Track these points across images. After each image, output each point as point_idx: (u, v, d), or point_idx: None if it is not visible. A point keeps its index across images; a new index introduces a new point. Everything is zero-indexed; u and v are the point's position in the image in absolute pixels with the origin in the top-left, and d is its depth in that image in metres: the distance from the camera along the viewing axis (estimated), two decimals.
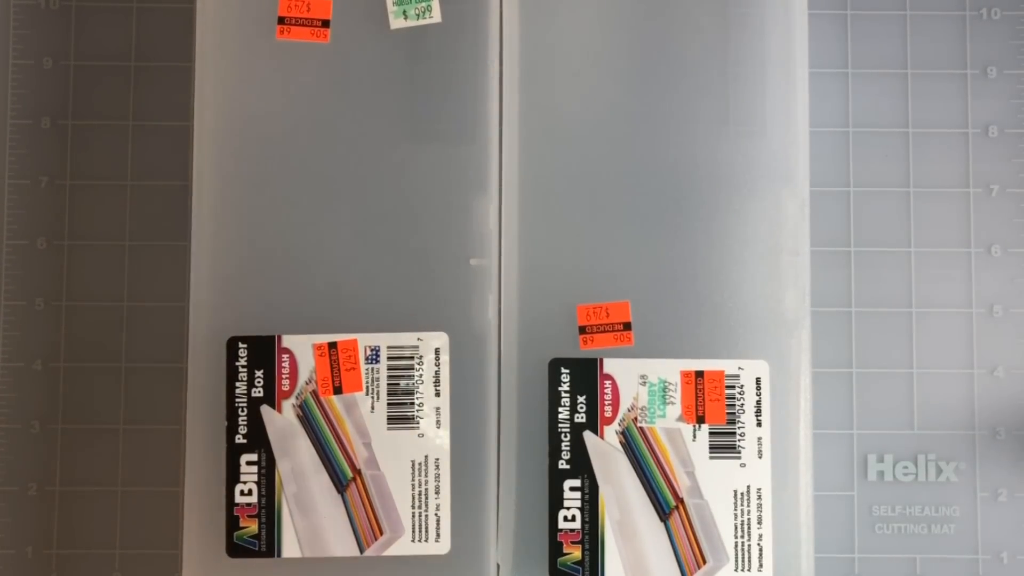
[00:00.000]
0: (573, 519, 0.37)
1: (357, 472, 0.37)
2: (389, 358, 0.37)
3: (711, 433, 0.37)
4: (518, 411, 0.37)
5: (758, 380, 0.37)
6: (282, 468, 0.37)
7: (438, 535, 0.37)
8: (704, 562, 0.37)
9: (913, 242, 0.43)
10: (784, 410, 0.37)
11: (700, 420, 0.37)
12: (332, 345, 0.37)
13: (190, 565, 0.37)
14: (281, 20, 0.38)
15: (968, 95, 0.44)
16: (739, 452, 0.37)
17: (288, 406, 0.37)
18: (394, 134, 0.37)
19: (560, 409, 0.37)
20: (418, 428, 0.37)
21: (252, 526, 0.37)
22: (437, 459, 0.37)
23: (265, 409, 0.37)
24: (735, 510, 0.37)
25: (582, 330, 0.37)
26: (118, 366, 0.42)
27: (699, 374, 0.37)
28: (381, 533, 0.37)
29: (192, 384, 0.37)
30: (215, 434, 0.37)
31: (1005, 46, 0.44)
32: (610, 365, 0.37)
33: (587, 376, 0.37)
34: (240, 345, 0.37)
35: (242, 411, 0.37)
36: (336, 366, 0.37)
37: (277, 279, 0.37)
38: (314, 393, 0.37)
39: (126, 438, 0.42)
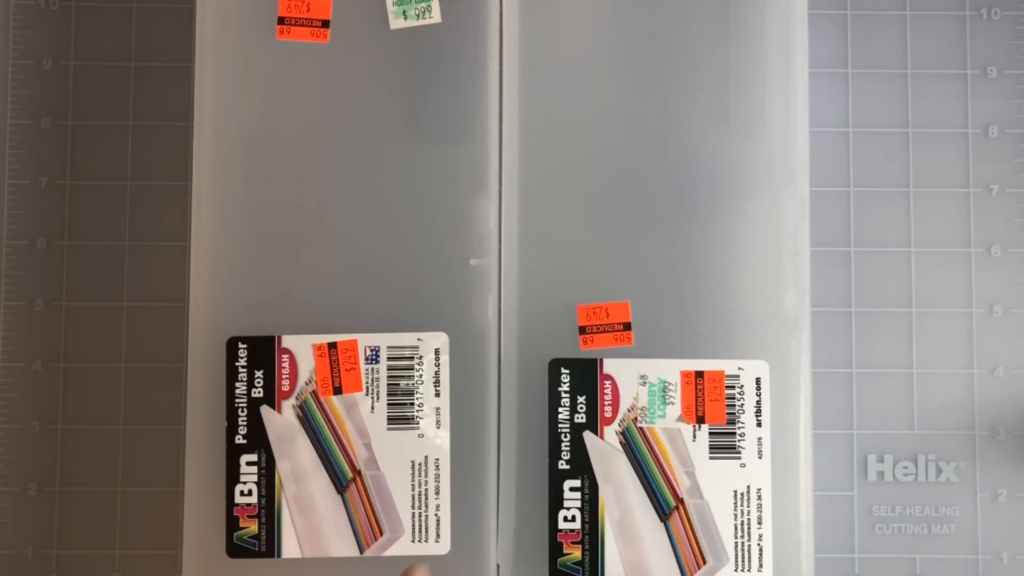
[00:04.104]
0: (573, 519, 0.37)
1: (357, 472, 0.37)
2: (389, 358, 0.37)
3: (711, 433, 0.37)
4: (518, 411, 0.37)
5: (758, 380, 0.37)
6: (282, 468, 0.37)
7: (438, 535, 0.37)
8: (704, 562, 0.37)
9: (913, 242, 0.43)
10: (784, 410, 0.37)
11: (700, 420, 0.37)
12: (332, 345, 0.37)
13: (190, 565, 0.37)
14: (281, 20, 0.38)
15: (968, 95, 0.44)
16: (739, 452, 0.37)
17: (288, 406, 0.37)
18: (394, 134, 0.37)
19: (560, 409, 0.37)
20: (418, 428, 0.37)
21: (252, 526, 0.37)
22: (437, 459, 0.37)
23: (265, 409, 0.37)
24: (735, 510, 0.37)
25: (582, 330, 0.37)
26: (118, 366, 0.42)
27: (699, 374, 0.37)
28: (381, 533, 0.37)
29: (192, 384, 0.37)
30: (215, 434, 0.37)
31: (1005, 46, 0.44)
32: (610, 365, 0.37)
33: (587, 376, 0.37)
34: (240, 345, 0.37)
35: (242, 411, 0.37)
36: (336, 366, 0.37)
37: (277, 279, 0.37)
38: (314, 393, 0.37)
39: (126, 438, 0.42)
